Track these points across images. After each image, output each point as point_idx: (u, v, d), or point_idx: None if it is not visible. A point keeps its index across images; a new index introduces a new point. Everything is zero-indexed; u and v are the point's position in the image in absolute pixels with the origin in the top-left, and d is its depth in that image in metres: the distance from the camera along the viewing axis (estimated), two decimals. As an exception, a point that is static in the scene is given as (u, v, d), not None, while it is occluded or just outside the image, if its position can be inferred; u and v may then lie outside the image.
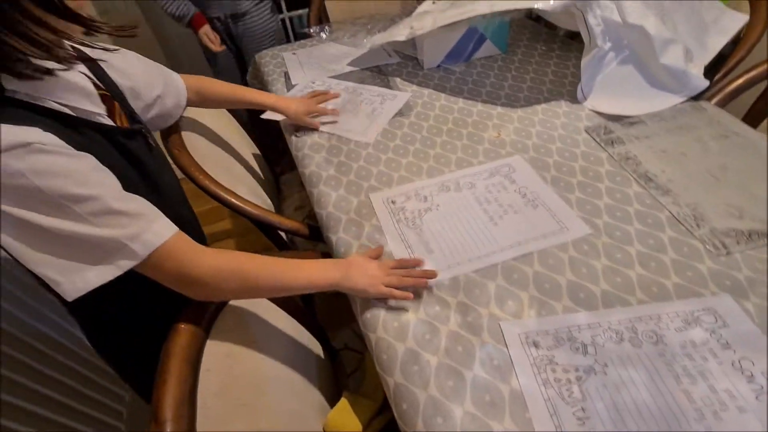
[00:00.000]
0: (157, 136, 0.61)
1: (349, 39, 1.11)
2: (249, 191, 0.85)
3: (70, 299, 0.38)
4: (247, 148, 1.02)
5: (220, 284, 0.44)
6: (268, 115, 0.82)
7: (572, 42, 0.99)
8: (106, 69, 0.52)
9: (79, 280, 0.38)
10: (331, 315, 0.79)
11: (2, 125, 0.34)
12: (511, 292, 0.50)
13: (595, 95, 0.77)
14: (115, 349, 0.59)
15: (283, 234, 0.86)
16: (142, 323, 0.52)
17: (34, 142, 0.35)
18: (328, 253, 0.64)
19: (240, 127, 1.03)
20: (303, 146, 0.78)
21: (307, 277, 0.50)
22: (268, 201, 0.96)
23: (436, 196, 0.63)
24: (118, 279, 0.39)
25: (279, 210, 1.04)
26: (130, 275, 0.40)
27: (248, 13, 1.31)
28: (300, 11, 1.88)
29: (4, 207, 0.35)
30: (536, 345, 0.44)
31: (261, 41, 1.38)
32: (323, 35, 1.14)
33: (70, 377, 0.78)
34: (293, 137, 0.81)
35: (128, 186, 0.43)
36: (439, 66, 0.96)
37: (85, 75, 0.47)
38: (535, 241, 0.54)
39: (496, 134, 0.75)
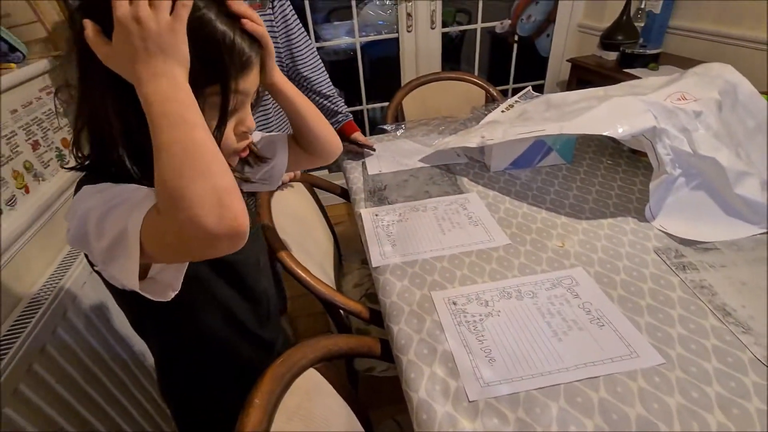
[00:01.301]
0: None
1: (422, 137, 1.23)
2: (317, 266, 0.92)
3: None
4: (318, 219, 1.12)
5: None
6: None
7: (639, 159, 1.03)
8: None
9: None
10: (371, 396, 0.78)
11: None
12: (575, 418, 0.49)
13: (664, 216, 0.78)
14: (181, 398, 0.63)
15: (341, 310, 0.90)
16: (216, 386, 0.56)
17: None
18: (385, 340, 0.66)
19: (313, 200, 1.14)
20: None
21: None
22: (331, 275, 1.03)
23: (498, 302, 0.65)
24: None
25: (338, 284, 1.09)
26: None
27: None
28: (376, 104, 2.12)
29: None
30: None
31: None
32: (398, 132, 1.27)
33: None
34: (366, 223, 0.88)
35: None
36: (504, 170, 1.03)
37: None
38: (602, 365, 0.53)
39: (560, 244, 0.77)
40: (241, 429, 0.43)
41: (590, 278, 0.68)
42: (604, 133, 0.72)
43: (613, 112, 0.76)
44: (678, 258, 0.70)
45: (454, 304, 0.66)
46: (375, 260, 0.77)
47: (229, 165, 0.45)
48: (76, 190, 0.44)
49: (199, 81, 0.40)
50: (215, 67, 0.42)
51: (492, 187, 0.97)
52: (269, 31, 0.98)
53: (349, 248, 1.26)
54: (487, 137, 0.93)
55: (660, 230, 0.77)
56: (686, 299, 0.63)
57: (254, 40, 0.46)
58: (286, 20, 1.03)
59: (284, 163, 0.67)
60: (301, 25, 1.07)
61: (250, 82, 0.46)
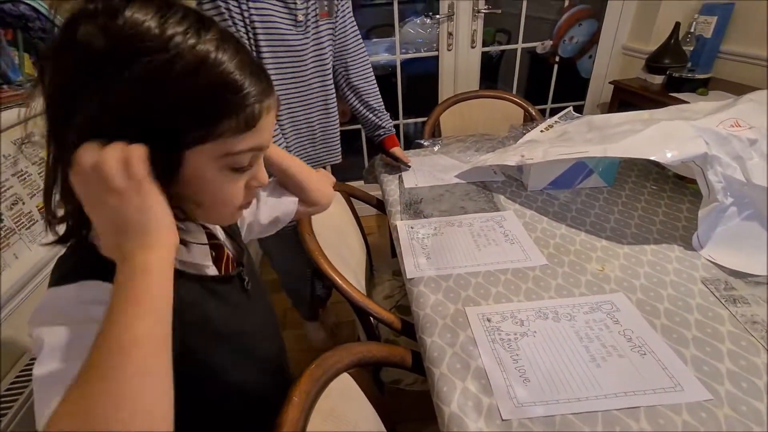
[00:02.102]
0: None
1: (459, 154, 1.24)
2: (351, 273, 0.94)
3: None
4: (353, 228, 1.14)
5: None
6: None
7: (685, 184, 0.99)
8: None
9: None
10: (396, 409, 0.77)
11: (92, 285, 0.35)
12: (613, 447, 0.47)
13: (713, 246, 0.75)
14: None
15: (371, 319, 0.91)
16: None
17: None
18: (416, 352, 0.66)
19: (349, 209, 1.16)
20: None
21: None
22: (363, 284, 1.04)
23: (533, 322, 0.64)
24: None
25: (369, 295, 1.11)
26: None
27: None
28: (411, 120, 2.15)
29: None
30: None
31: None
32: (435, 147, 1.29)
33: None
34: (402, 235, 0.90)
35: (208, 324, 0.45)
36: (542, 190, 1.02)
37: (203, 226, 0.48)
38: (644, 395, 0.51)
39: (600, 268, 0.75)
40: (280, 424, 0.44)
41: (632, 305, 0.66)
42: (651, 158, 0.71)
43: (661, 136, 0.74)
44: (728, 290, 0.67)
45: (489, 320, 0.65)
46: (410, 271, 0.78)
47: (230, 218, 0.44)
48: (54, 269, 0.39)
49: (204, 138, 0.35)
50: (225, 122, 0.35)
51: (529, 206, 0.96)
52: (328, 39, 1.03)
53: (379, 259, 1.28)
54: (527, 156, 0.93)
55: (708, 260, 0.74)
56: (737, 334, 0.60)
57: (269, 82, 0.39)
58: (345, 29, 1.06)
59: (292, 207, 0.63)
60: (359, 35, 1.09)
61: (267, 134, 0.40)
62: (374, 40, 2.20)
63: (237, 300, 0.52)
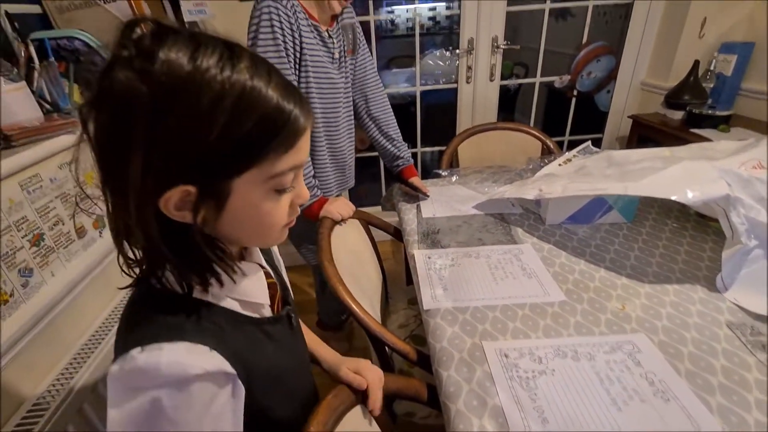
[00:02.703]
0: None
1: (476, 185, 1.25)
2: (368, 301, 0.95)
3: None
4: (370, 255, 1.16)
5: None
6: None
7: (708, 223, 0.98)
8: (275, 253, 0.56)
9: None
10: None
11: (179, 348, 0.36)
12: (636, 498, 0.46)
13: (738, 288, 0.73)
14: None
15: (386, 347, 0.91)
16: None
17: (193, 377, 0.35)
18: (431, 385, 0.66)
19: (367, 236, 1.18)
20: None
21: None
22: (378, 312, 1.05)
23: (552, 361, 0.64)
24: None
25: (383, 323, 1.11)
26: None
27: None
28: (428, 149, 2.18)
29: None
30: None
31: None
32: (453, 178, 1.31)
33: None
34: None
35: (267, 370, 0.45)
36: (560, 224, 1.02)
37: (261, 266, 0.50)
38: (667, 444, 0.50)
39: (621, 306, 0.74)
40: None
41: (654, 347, 0.65)
42: (672, 198, 0.71)
43: (683, 176, 0.75)
44: (754, 335, 0.65)
45: (506, 356, 0.65)
46: (426, 303, 0.78)
47: (279, 238, 0.44)
48: (131, 318, 0.40)
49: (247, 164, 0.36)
50: (268, 146, 0.36)
51: (547, 240, 0.96)
52: (351, 73, 1.10)
53: (395, 286, 1.28)
54: (545, 191, 0.94)
55: (733, 303, 0.72)
56: (765, 382, 0.58)
57: (303, 100, 0.39)
58: (365, 63, 1.15)
59: None
60: (376, 69, 1.18)
61: (305, 151, 0.40)
62: (395, 70, 2.28)
63: (285, 338, 0.52)
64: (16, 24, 0.89)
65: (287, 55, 0.92)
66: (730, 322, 0.68)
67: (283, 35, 0.90)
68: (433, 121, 2.20)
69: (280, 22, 0.89)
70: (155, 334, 0.36)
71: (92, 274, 0.82)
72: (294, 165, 0.39)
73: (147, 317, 0.39)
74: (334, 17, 1.04)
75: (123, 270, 0.40)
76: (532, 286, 0.81)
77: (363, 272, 1.03)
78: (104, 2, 0.95)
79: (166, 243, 0.36)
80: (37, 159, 0.68)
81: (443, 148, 1.58)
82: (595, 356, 0.64)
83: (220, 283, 0.41)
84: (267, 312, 0.49)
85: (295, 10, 0.92)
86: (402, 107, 2.15)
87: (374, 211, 1.98)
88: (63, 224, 0.73)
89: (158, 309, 0.39)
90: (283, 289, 0.56)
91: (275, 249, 0.61)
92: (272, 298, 0.51)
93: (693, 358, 0.63)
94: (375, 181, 2.21)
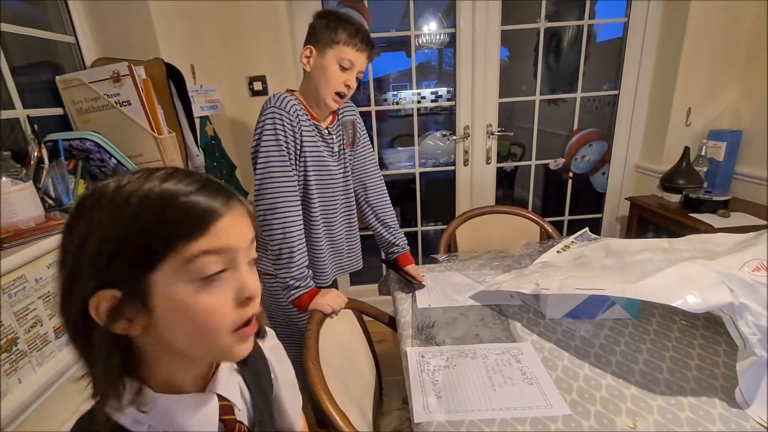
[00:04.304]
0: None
1: (474, 272, 1.23)
2: (357, 406, 0.88)
3: None
4: (363, 348, 1.10)
5: None
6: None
7: (716, 319, 0.92)
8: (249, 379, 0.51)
9: None
10: None
11: None
12: None
13: (761, 404, 0.66)
14: None
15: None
16: None
17: None
18: None
19: (360, 327, 1.13)
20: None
21: None
22: (369, 416, 0.96)
23: (558, 496, 0.56)
24: None
25: (376, 425, 1.01)
26: None
27: None
28: (430, 227, 2.19)
29: None
30: None
31: None
32: (450, 263, 1.29)
33: None
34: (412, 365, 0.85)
35: None
36: (561, 319, 0.97)
37: (225, 398, 0.46)
38: None
39: (632, 425, 0.67)
40: None
41: (673, 480, 0.57)
42: (673, 304, 0.67)
43: (681, 280, 0.71)
44: (788, 468, 0.57)
45: (505, 490, 0.57)
46: (418, 414, 0.72)
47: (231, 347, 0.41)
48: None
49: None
50: (173, 232, 0.37)
51: (548, 338, 0.91)
52: (350, 163, 1.15)
53: (391, 375, 1.19)
54: (542, 285, 0.91)
55: (758, 422, 0.65)
56: None
57: (221, 190, 0.40)
58: (365, 154, 1.20)
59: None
60: (376, 159, 1.23)
61: (227, 237, 0.39)
62: (398, 148, 2.39)
63: None
64: (35, 126, 0.95)
65: (288, 152, 0.99)
66: (757, 449, 0.61)
67: (285, 136, 0.97)
68: (434, 197, 2.25)
69: (283, 125, 0.97)
70: None
71: (67, 374, 0.78)
72: (209, 249, 0.37)
73: None
74: (335, 113, 1.11)
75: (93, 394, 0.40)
76: (533, 395, 0.74)
77: (354, 369, 0.97)
78: (120, 106, 1.03)
79: (80, 343, 0.38)
80: (26, 261, 0.68)
81: (444, 226, 1.58)
82: (606, 492, 0.56)
83: (118, 400, 0.38)
84: None
85: (298, 114, 1.00)
86: (404, 183, 2.22)
87: (373, 288, 1.94)
88: (41, 325, 0.71)
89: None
90: (252, 425, 0.50)
91: (279, 373, 0.59)
92: (230, 428, 0.45)
93: (720, 498, 0.54)
94: (375, 255, 2.19)
